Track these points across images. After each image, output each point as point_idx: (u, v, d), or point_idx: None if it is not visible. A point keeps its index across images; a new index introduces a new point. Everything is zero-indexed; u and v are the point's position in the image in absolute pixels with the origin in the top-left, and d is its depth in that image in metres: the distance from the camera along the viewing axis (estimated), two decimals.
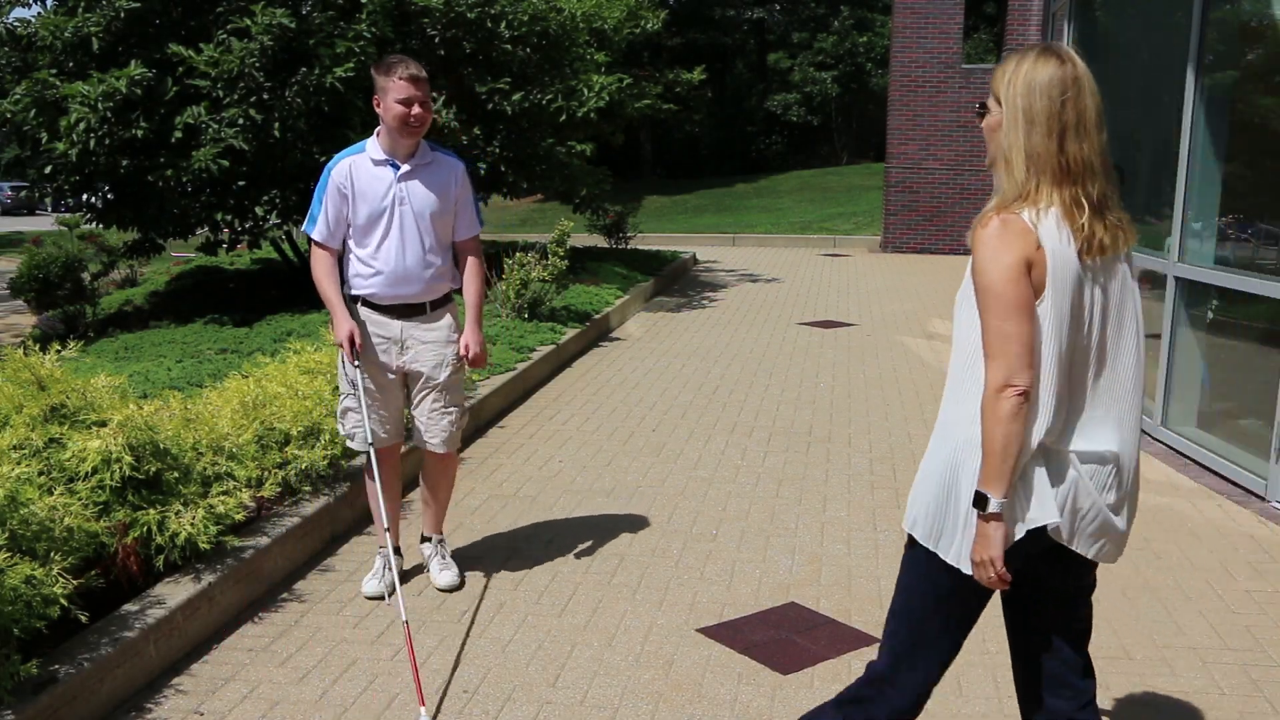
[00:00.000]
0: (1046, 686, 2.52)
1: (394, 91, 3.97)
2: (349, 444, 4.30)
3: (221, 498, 4.14)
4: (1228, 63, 6.37)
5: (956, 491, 2.35)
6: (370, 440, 4.16)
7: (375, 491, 4.22)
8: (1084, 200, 2.28)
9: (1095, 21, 8.57)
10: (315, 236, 4.13)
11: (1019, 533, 2.30)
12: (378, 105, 4.05)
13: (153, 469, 3.99)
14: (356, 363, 4.12)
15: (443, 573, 4.37)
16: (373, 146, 4.13)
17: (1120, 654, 3.78)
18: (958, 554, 2.35)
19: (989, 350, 2.26)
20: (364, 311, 4.18)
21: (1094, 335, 2.34)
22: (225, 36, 9.17)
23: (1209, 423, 6.22)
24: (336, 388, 5.53)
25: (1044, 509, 2.30)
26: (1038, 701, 2.53)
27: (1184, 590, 4.35)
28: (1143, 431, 6.58)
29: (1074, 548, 2.36)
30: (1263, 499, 5.43)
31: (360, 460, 5.19)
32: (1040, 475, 2.31)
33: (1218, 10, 6.25)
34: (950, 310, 11.54)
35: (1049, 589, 2.48)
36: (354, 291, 4.17)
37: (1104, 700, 3.48)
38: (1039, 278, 2.26)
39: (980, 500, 2.26)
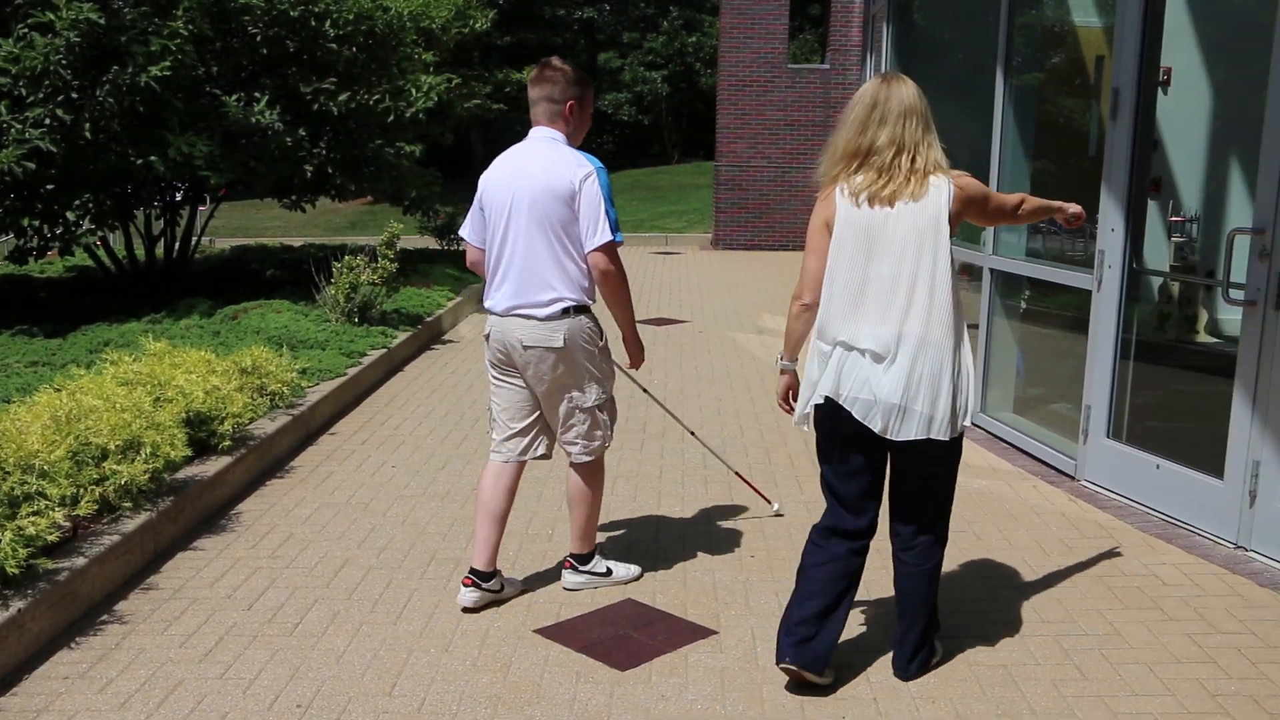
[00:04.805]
0: (891, 524, 3.65)
1: (591, 101, 4.14)
2: (611, 440, 4.28)
3: (32, 519, 3.95)
4: (1033, 65, 6.67)
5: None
6: None
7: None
8: (873, 169, 3.40)
9: (913, 24, 8.87)
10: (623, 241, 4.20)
11: (814, 399, 3.48)
12: (570, 112, 4.08)
13: None
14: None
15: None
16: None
17: (946, 633, 3.92)
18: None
19: (801, 273, 3.54)
20: (589, 320, 4.12)
21: (880, 264, 3.37)
22: (26, 31, 8.71)
23: (1024, 408, 6.51)
24: (156, 398, 5.34)
25: (826, 386, 3.44)
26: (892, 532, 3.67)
27: (1003, 569, 4.54)
28: None
29: (875, 429, 3.37)
30: (1073, 478, 5.71)
31: (199, 472, 5.03)
32: (830, 363, 3.44)
33: (1023, 15, 6.54)
34: (779, 306, 11.79)
35: (894, 461, 3.53)
36: (591, 301, 4.12)
37: (929, 678, 3.61)
38: (832, 228, 3.44)
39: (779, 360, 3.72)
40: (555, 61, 4.08)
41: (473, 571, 4.14)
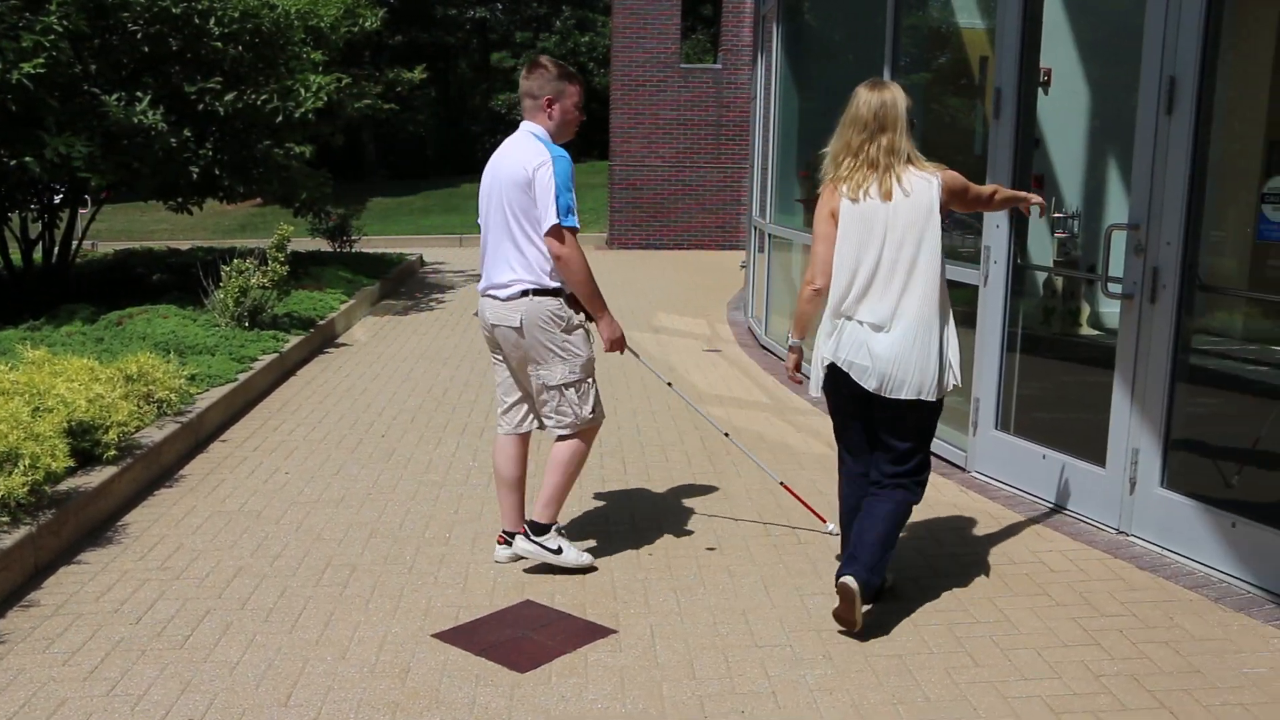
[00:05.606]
0: (870, 470, 4.09)
1: (575, 96, 4.37)
2: (592, 420, 4.45)
3: None
4: (920, 65, 6.81)
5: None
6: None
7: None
8: (864, 167, 3.90)
9: (803, 24, 8.98)
10: (579, 227, 4.29)
11: (822, 364, 4.02)
12: (548, 106, 4.33)
13: None
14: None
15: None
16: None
17: (841, 627, 3.98)
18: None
19: (810, 259, 4.03)
20: (552, 302, 4.33)
21: (880, 250, 3.86)
22: None
23: None
24: (35, 408, 5.17)
25: (829, 352, 3.98)
26: (869, 476, 4.12)
27: (897, 560, 4.61)
28: None
29: (870, 389, 3.88)
30: (964, 470, 5.84)
31: (83, 484, 4.88)
32: (835, 332, 3.96)
33: (910, 17, 6.67)
34: (675, 305, 11.86)
35: (878, 416, 3.99)
36: (558, 284, 4.33)
37: (825, 670, 3.66)
38: (837, 219, 3.92)
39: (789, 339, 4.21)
40: (542, 59, 4.38)
41: (505, 532, 4.62)
